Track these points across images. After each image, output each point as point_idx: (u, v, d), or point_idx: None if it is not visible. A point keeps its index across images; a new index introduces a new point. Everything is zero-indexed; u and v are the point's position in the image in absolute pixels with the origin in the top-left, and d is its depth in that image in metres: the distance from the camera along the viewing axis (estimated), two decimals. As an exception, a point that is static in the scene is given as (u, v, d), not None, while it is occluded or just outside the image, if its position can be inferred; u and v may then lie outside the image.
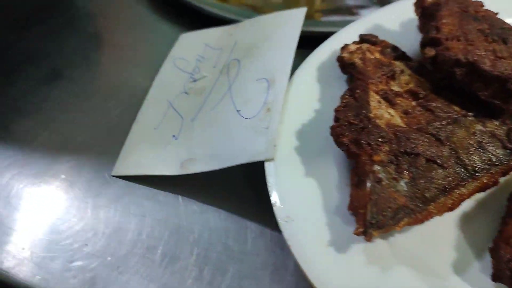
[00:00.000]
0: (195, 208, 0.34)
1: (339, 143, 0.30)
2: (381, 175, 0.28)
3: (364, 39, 0.37)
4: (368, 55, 0.35)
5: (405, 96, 0.33)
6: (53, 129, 0.39)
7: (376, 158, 0.29)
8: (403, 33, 0.41)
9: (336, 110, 0.32)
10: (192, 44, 0.45)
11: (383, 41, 0.37)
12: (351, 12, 0.51)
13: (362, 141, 0.29)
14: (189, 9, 0.48)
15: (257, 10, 0.51)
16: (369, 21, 0.41)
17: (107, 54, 0.46)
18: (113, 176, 0.35)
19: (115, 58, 0.45)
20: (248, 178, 0.35)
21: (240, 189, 0.35)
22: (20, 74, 0.43)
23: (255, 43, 0.41)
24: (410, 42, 0.40)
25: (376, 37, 0.37)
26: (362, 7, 0.51)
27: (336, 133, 0.30)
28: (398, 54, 0.36)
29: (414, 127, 0.31)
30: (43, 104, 0.41)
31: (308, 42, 0.39)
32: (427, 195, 0.28)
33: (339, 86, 0.37)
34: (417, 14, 0.38)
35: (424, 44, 0.34)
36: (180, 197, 0.34)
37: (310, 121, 0.34)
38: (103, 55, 0.46)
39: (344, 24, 0.45)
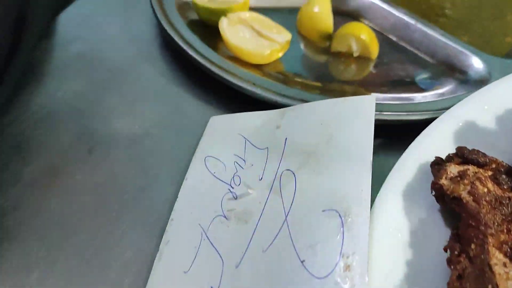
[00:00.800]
0: None
1: None
2: None
3: (468, 158, 0.27)
4: (479, 186, 0.26)
5: (535, 251, 0.24)
6: (45, 269, 0.29)
7: None
8: (502, 132, 0.32)
9: (450, 286, 0.23)
10: (226, 135, 0.35)
11: (493, 161, 0.27)
12: (418, 88, 0.41)
13: None
14: (218, 83, 0.39)
15: (301, 85, 0.41)
16: (458, 115, 0.32)
17: (116, 146, 0.36)
18: None
19: (128, 152, 0.35)
20: None
21: None
22: (9, 175, 0.33)
23: (313, 146, 0.31)
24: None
25: (484, 155, 0.28)
26: (430, 78, 0.42)
27: (458, 328, 0.21)
28: (515, 181, 0.27)
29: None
30: (38, 222, 0.31)
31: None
32: None
33: (433, 218, 0.28)
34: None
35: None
36: None
37: (403, 282, 0.25)
38: (112, 146, 0.35)
39: (417, 108, 0.36)
